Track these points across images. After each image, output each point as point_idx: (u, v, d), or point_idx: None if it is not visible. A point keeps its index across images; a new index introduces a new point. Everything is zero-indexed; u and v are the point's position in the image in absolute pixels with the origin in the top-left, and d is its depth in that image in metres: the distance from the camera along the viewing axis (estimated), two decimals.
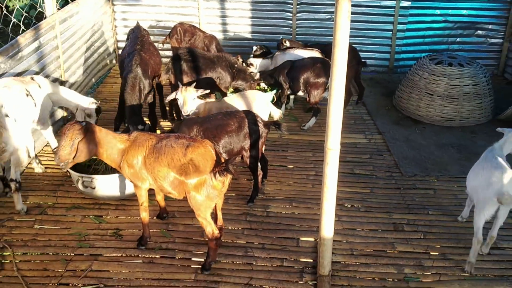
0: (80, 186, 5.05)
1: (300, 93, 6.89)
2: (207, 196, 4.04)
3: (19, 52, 5.55)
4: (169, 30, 8.86)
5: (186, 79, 6.50)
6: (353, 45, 7.87)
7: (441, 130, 7.22)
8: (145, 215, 4.53)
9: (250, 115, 5.09)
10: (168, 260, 4.49)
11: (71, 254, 4.53)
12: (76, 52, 7.30)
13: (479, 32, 9.24)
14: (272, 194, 5.51)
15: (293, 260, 4.56)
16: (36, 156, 5.72)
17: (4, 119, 4.74)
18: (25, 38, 5.53)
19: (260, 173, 5.29)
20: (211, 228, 4.19)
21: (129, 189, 5.10)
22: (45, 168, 5.86)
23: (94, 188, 5.02)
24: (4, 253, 4.51)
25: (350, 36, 8.77)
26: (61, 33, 6.62)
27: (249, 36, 9.27)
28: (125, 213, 5.11)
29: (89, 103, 5.88)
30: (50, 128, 5.66)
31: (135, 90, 5.84)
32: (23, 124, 4.98)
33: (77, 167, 5.22)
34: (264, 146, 5.34)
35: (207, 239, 4.30)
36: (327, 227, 4.10)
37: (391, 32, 9.16)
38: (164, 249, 4.61)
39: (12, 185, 4.94)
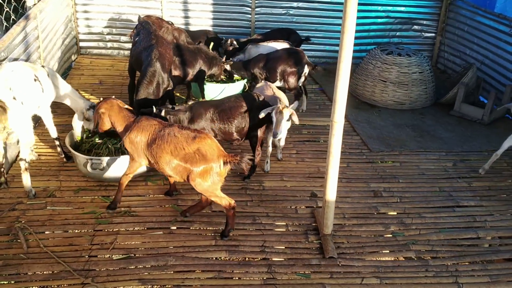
0: (88, 168, 5.27)
1: (277, 83, 7.44)
2: (213, 181, 4.53)
3: (13, 41, 5.61)
4: (132, 23, 9.09)
5: (175, 72, 6.81)
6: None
7: (394, 112, 8.13)
8: (124, 182, 4.99)
9: (258, 98, 5.61)
10: (186, 230, 4.89)
11: (92, 230, 4.78)
12: (49, 43, 7.33)
13: (415, 27, 10.35)
14: (259, 172, 6.04)
15: (296, 224, 5.14)
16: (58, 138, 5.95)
17: (12, 101, 4.85)
18: (20, 27, 5.59)
19: (259, 152, 5.81)
20: (226, 200, 4.65)
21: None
22: (40, 155, 5.95)
23: (102, 169, 5.27)
24: (26, 233, 4.66)
25: (304, 30, 9.53)
26: (40, 23, 6.67)
27: (210, 29, 9.67)
28: (132, 192, 5.40)
29: (88, 106, 5.91)
30: (51, 116, 5.75)
31: (152, 84, 5.84)
32: (29, 108, 5.13)
33: (77, 151, 5.46)
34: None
35: (224, 210, 4.75)
36: (331, 192, 4.73)
37: (340, 27, 9.97)
38: (180, 221, 4.99)
39: (22, 164, 5.09)
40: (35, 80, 5.22)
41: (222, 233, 4.77)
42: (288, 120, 5.42)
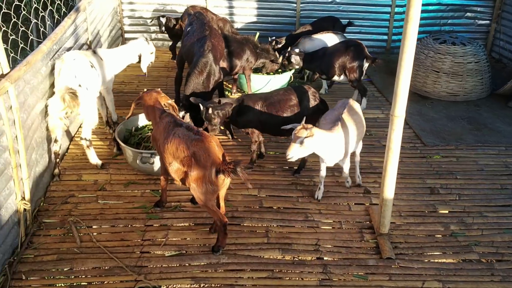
0: (138, 163, 5.22)
1: (336, 78, 7.21)
2: (206, 190, 4.11)
3: (65, 33, 5.60)
4: (177, 14, 9.03)
5: (222, 64, 6.69)
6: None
7: (448, 104, 7.77)
8: (162, 184, 4.86)
9: (310, 91, 5.43)
10: (238, 227, 4.78)
11: (143, 225, 4.73)
12: (97, 35, 7.33)
13: (469, 14, 9.87)
14: (313, 165, 5.86)
15: (350, 222, 4.95)
16: (108, 121, 6.28)
17: (78, 88, 5.09)
18: (70, 19, 5.58)
19: None
20: (216, 215, 4.26)
21: None
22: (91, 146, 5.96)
23: (152, 163, 5.21)
24: (78, 227, 4.66)
25: (351, 18, 9.23)
26: (89, 15, 6.66)
27: (255, 19, 9.53)
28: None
29: (146, 41, 6.34)
30: (112, 98, 6.00)
31: (202, 75, 5.73)
32: (93, 92, 5.35)
33: (127, 144, 5.44)
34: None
35: (216, 225, 4.41)
36: (389, 189, 4.51)
37: (389, 14, 9.64)
38: (231, 217, 4.88)
39: (84, 142, 5.42)
40: (91, 66, 5.38)
41: (213, 247, 4.40)
42: (301, 146, 4.45)
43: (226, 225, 4.32)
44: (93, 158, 5.54)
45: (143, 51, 6.26)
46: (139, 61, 6.27)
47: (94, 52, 5.72)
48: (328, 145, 4.71)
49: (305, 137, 4.39)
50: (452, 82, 7.89)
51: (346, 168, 5.18)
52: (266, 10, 9.50)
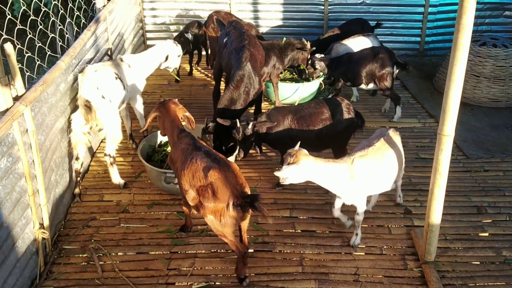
0: (162, 183, 4.92)
1: (363, 86, 6.81)
2: (224, 222, 3.75)
3: (84, 46, 5.34)
4: (199, 19, 8.73)
5: None
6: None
7: (489, 111, 7.27)
8: (185, 210, 4.50)
9: (343, 103, 5.06)
10: (269, 254, 4.43)
11: (168, 252, 4.43)
12: (118, 44, 7.08)
13: (507, 12, 9.29)
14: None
15: (391, 247, 4.55)
16: (131, 135, 6.12)
17: (101, 100, 4.90)
18: (90, 31, 5.31)
19: None
20: (234, 245, 3.93)
21: None
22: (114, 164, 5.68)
23: (177, 183, 4.90)
24: (100, 254, 4.38)
25: (382, 20, 8.76)
26: (110, 24, 6.41)
27: (281, 22, 9.15)
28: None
29: (174, 44, 6.35)
30: (142, 106, 5.92)
31: (239, 90, 5.37)
32: (116, 104, 5.16)
33: (149, 162, 5.15)
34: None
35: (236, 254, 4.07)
36: (437, 214, 4.10)
37: (422, 15, 9.14)
38: (261, 242, 4.54)
39: (107, 159, 5.17)
40: (116, 78, 5.21)
41: (237, 278, 4.10)
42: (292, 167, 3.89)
43: (247, 254, 4.00)
44: (116, 177, 5.27)
45: (171, 53, 6.16)
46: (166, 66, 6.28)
47: (121, 60, 5.57)
48: (330, 178, 4.07)
49: (288, 164, 3.86)
50: (494, 87, 7.37)
51: (360, 208, 4.35)
52: (292, 13, 9.11)
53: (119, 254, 4.41)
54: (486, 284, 4.16)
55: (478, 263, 4.40)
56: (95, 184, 5.39)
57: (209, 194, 3.71)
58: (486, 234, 4.73)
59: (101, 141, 6.10)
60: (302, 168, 3.87)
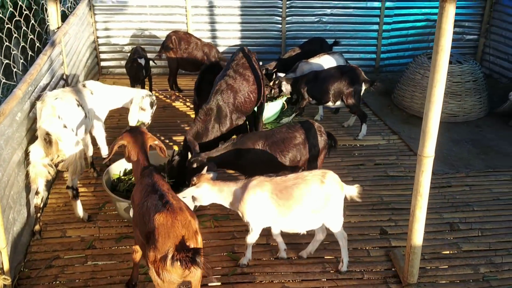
0: (131, 214, 4.63)
1: (330, 104, 6.80)
2: (164, 278, 3.19)
3: (40, 71, 5.00)
4: (156, 39, 8.52)
5: None
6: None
7: (448, 126, 7.44)
8: (134, 255, 3.97)
9: (314, 126, 4.98)
10: (250, 285, 4.24)
11: None
12: (73, 68, 6.72)
13: (457, 29, 9.63)
14: None
15: (372, 271, 4.48)
16: (92, 163, 5.81)
17: (63, 131, 4.62)
18: (46, 55, 4.98)
19: None
20: None
21: None
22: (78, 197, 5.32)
23: None
24: None
25: (338, 38, 8.86)
26: (64, 47, 6.07)
27: (239, 42, 9.06)
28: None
29: (144, 94, 5.73)
30: (103, 134, 5.61)
31: (206, 123, 5.14)
32: (79, 134, 4.89)
33: (114, 193, 4.86)
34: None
35: None
36: (418, 235, 4.07)
37: (377, 33, 9.33)
38: (240, 274, 4.34)
39: (70, 192, 4.85)
40: (78, 105, 4.96)
41: None
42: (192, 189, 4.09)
43: None
44: (79, 211, 4.93)
45: (135, 100, 5.67)
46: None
47: (84, 86, 5.31)
48: (227, 200, 4.14)
49: (191, 185, 4.09)
50: (451, 102, 7.58)
51: (251, 228, 4.19)
52: (250, 32, 9.05)
53: None
54: None
55: (457, 281, 4.39)
56: (56, 219, 5.02)
57: (150, 240, 3.20)
58: (462, 251, 4.76)
59: (60, 172, 5.70)
60: (202, 191, 4.07)
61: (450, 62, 7.68)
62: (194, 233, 3.27)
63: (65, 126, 4.61)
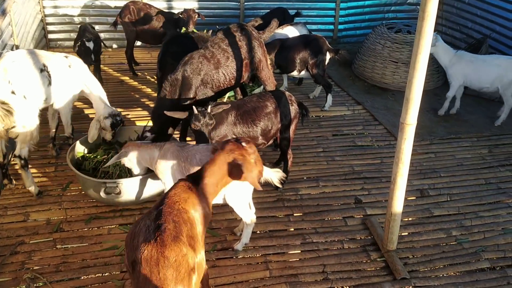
0: (102, 194, 4.38)
1: (295, 73, 6.70)
2: None
3: None
4: (110, 10, 8.07)
5: None
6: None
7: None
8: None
9: (284, 96, 4.86)
10: (232, 260, 4.13)
11: (119, 272, 3.94)
12: (22, 39, 6.22)
13: (410, 0, 9.78)
14: (294, 176, 5.33)
15: (350, 240, 4.49)
16: (54, 138, 5.42)
17: (10, 96, 4.25)
18: None
19: (291, 155, 5.08)
20: None
21: (153, 189, 4.57)
22: (34, 177, 4.97)
23: (119, 193, 4.40)
24: (39, 284, 3.77)
25: (297, 8, 8.73)
26: (13, 15, 5.58)
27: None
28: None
29: (107, 114, 5.01)
30: (69, 114, 5.17)
31: (171, 95, 4.88)
32: (33, 102, 4.49)
33: (80, 171, 4.59)
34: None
35: None
36: (399, 203, 4.10)
37: (334, 3, 9.28)
38: (221, 249, 4.23)
39: (18, 161, 4.57)
40: (41, 70, 4.54)
41: None
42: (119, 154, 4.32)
43: None
44: (29, 182, 4.66)
45: (96, 116, 5.07)
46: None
47: (66, 57, 4.94)
48: (145, 160, 4.29)
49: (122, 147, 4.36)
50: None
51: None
52: (207, 2, 8.76)
53: (62, 281, 3.83)
54: (445, 265, 4.26)
55: (431, 245, 4.49)
56: (16, 202, 4.68)
57: (133, 275, 2.59)
58: (434, 216, 4.87)
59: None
60: (128, 155, 4.28)
61: (409, 32, 7.78)
62: (187, 273, 2.55)
63: (13, 92, 4.26)
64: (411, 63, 3.62)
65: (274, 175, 4.00)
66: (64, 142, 5.56)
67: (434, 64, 7.77)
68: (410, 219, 4.84)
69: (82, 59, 5.66)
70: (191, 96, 4.89)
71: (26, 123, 4.39)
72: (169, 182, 4.09)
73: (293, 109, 4.92)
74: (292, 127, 5.02)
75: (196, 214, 2.91)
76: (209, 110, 4.40)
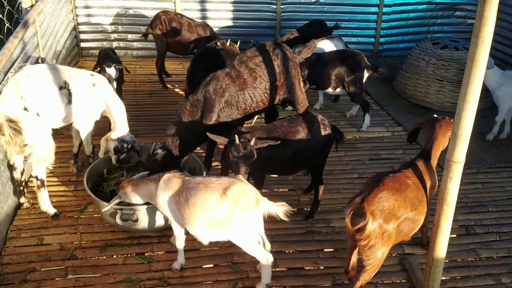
0: (117, 220, 4.11)
1: (330, 90, 6.32)
2: None
3: (11, 56, 4.40)
4: (142, 19, 7.89)
5: None
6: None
7: (454, 117, 7.01)
8: None
9: (317, 119, 4.48)
10: None
11: None
12: (49, 50, 6.08)
13: (458, 13, 9.21)
14: (325, 204, 4.93)
15: (386, 282, 4.06)
16: (77, 155, 5.20)
17: (23, 113, 4.03)
18: (17, 38, 4.36)
19: (322, 183, 4.69)
20: None
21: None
22: (50, 196, 4.77)
23: (136, 220, 4.12)
24: None
25: (336, 20, 8.32)
26: (39, 27, 5.43)
27: (231, 23, 8.47)
28: (173, 246, 4.27)
29: (115, 137, 4.73)
30: (90, 134, 4.89)
31: (191, 116, 4.58)
32: (48, 120, 4.31)
33: (97, 194, 4.35)
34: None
35: None
36: (442, 248, 3.64)
37: (376, 15, 8.82)
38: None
39: (34, 181, 4.38)
40: (61, 87, 4.32)
41: None
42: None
43: None
44: (45, 203, 4.47)
45: (107, 135, 4.84)
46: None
47: (91, 75, 4.70)
48: (145, 195, 3.88)
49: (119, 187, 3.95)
50: (458, 91, 7.09)
51: (174, 230, 3.88)
52: (243, 12, 8.46)
53: None
54: None
55: None
56: (31, 223, 4.46)
57: None
58: (481, 258, 4.38)
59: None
60: (125, 196, 3.91)
61: (457, 49, 7.26)
62: None
63: (25, 109, 4.03)
64: (461, 94, 3.21)
65: (278, 209, 3.58)
66: (85, 160, 5.35)
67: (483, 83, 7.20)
68: (453, 260, 4.35)
69: None
70: (214, 118, 4.57)
71: (38, 141, 4.18)
72: (170, 216, 3.75)
73: (326, 133, 4.52)
74: (325, 153, 4.63)
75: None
76: (252, 143, 3.99)
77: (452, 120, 3.70)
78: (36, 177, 4.33)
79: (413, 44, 8.82)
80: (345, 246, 4.34)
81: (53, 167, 4.54)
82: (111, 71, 5.57)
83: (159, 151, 4.44)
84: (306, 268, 4.13)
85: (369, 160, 5.86)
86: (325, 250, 4.36)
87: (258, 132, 4.38)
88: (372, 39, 9.02)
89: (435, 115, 4.19)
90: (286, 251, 4.29)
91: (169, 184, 3.68)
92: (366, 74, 6.21)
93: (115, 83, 5.65)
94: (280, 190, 5.18)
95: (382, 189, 3.40)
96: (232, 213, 3.45)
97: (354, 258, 3.72)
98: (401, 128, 6.61)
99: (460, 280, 4.14)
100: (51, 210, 4.49)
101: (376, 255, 3.41)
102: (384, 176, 3.56)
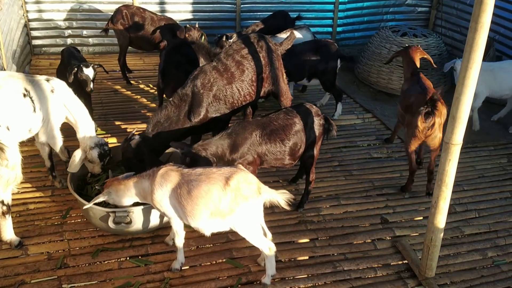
0: (110, 224, 3.93)
1: (305, 81, 6.33)
2: None
3: None
4: (98, 14, 7.57)
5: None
6: None
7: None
8: None
9: (312, 111, 4.47)
10: None
11: None
12: (8, 49, 5.69)
13: (409, 1, 9.52)
14: (313, 193, 4.95)
15: (383, 266, 4.15)
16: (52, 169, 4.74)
17: None
18: None
19: (313, 174, 4.70)
20: None
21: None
22: (29, 203, 4.49)
23: (129, 222, 3.96)
24: None
25: (295, 10, 8.39)
26: None
27: (190, 16, 8.30)
28: (168, 246, 4.15)
29: (93, 144, 4.41)
30: (61, 143, 4.48)
31: (178, 109, 4.45)
32: (16, 133, 3.91)
33: (82, 196, 4.14)
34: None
35: None
36: (440, 228, 3.77)
37: (333, 5, 8.95)
38: (245, 283, 3.82)
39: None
40: (24, 95, 3.96)
41: None
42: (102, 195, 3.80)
43: None
44: (8, 233, 3.97)
45: (82, 146, 4.46)
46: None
47: (47, 80, 4.26)
48: (139, 194, 3.74)
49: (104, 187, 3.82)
50: None
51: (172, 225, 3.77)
52: (202, 5, 8.31)
53: None
54: None
55: (471, 269, 4.18)
56: (14, 232, 4.17)
57: None
58: (465, 235, 4.58)
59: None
60: (110, 196, 3.76)
61: (416, 36, 7.51)
62: None
63: None
64: (459, 78, 3.28)
65: (280, 197, 3.57)
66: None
67: (441, 68, 7.51)
68: (442, 239, 4.51)
69: (79, 89, 5.12)
70: (202, 113, 4.47)
71: (12, 159, 3.56)
72: (170, 212, 3.65)
73: (321, 124, 4.54)
74: (318, 144, 4.64)
75: None
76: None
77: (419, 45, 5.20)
78: (2, 202, 3.78)
79: (368, 32, 9.08)
80: (338, 233, 4.44)
81: (24, 172, 4.24)
82: (89, 71, 5.25)
83: (136, 137, 4.29)
84: (304, 258, 4.14)
85: (345, 147, 5.95)
86: (319, 238, 4.39)
87: (253, 126, 4.30)
88: (330, 29, 9.15)
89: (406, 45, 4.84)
90: (282, 243, 4.28)
91: (167, 178, 3.56)
92: (339, 64, 6.28)
93: (92, 84, 5.34)
94: (264, 181, 5.14)
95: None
96: (236, 203, 3.42)
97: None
98: (371, 115, 6.76)
99: (450, 257, 4.30)
100: (15, 239, 4.01)
101: (440, 139, 4.69)
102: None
